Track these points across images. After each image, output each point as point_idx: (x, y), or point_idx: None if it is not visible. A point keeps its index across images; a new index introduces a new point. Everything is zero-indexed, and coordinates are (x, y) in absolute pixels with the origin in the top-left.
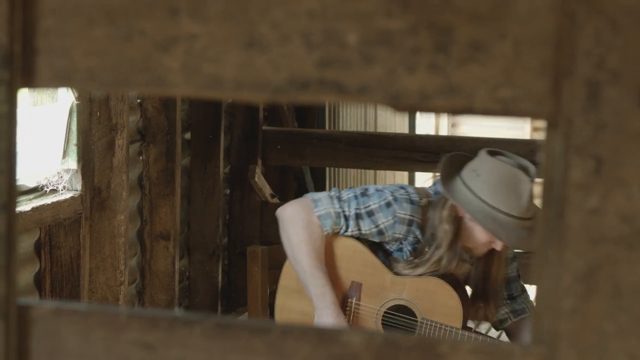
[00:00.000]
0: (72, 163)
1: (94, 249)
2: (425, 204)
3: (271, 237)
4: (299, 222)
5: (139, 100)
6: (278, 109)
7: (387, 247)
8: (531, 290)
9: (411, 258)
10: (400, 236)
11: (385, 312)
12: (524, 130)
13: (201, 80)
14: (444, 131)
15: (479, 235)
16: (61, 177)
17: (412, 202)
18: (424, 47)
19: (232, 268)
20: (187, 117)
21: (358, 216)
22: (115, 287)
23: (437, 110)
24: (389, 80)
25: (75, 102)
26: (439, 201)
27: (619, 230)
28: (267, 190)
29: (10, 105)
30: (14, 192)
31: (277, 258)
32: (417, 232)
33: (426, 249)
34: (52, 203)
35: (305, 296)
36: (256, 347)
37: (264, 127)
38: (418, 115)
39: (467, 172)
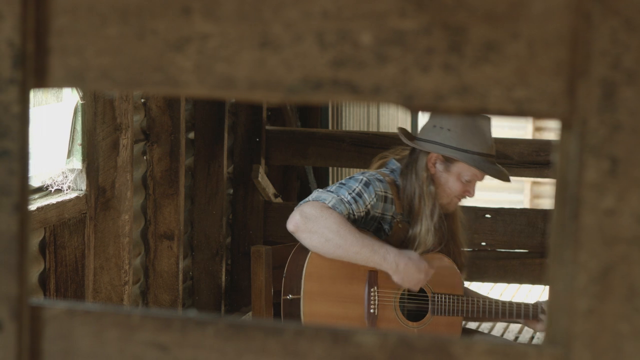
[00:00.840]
0: (77, 163)
1: (98, 248)
2: (389, 180)
3: (274, 236)
4: (321, 214)
5: (143, 100)
6: (281, 108)
7: (365, 228)
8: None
9: (387, 238)
10: (378, 214)
11: (400, 296)
12: (526, 130)
13: (214, 80)
14: None
15: (454, 186)
16: (66, 176)
17: (380, 180)
18: (438, 47)
19: (235, 268)
20: (190, 116)
21: (354, 199)
22: (119, 287)
23: (451, 110)
24: (402, 80)
25: (80, 101)
26: (409, 168)
27: (634, 230)
28: (271, 189)
29: (23, 105)
30: (26, 192)
31: (281, 258)
32: (393, 208)
33: (400, 225)
34: (57, 203)
35: (331, 298)
36: (270, 348)
37: (267, 127)
38: (420, 115)
39: (427, 130)
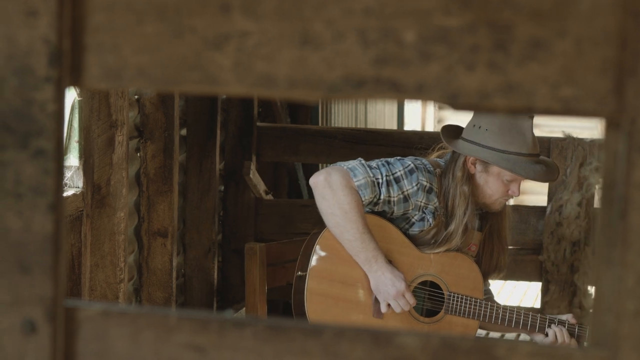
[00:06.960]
0: (74, 160)
1: (94, 246)
2: (439, 173)
3: (265, 233)
4: (342, 189)
5: (136, 96)
6: (271, 104)
7: (410, 216)
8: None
9: (429, 228)
10: (422, 204)
11: (415, 288)
12: None
13: (253, 79)
14: (430, 127)
15: (495, 186)
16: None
17: (429, 171)
18: (483, 45)
19: (226, 265)
20: (183, 113)
21: (388, 183)
22: (114, 284)
23: (496, 109)
24: (446, 79)
25: (78, 98)
26: (448, 166)
27: None
28: (262, 186)
29: (58, 104)
30: (61, 192)
31: (274, 255)
32: (436, 200)
33: (443, 218)
34: None
35: (337, 278)
36: (309, 349)
37: (259, 124)
38: (406, 111)
39: (468, 130)
